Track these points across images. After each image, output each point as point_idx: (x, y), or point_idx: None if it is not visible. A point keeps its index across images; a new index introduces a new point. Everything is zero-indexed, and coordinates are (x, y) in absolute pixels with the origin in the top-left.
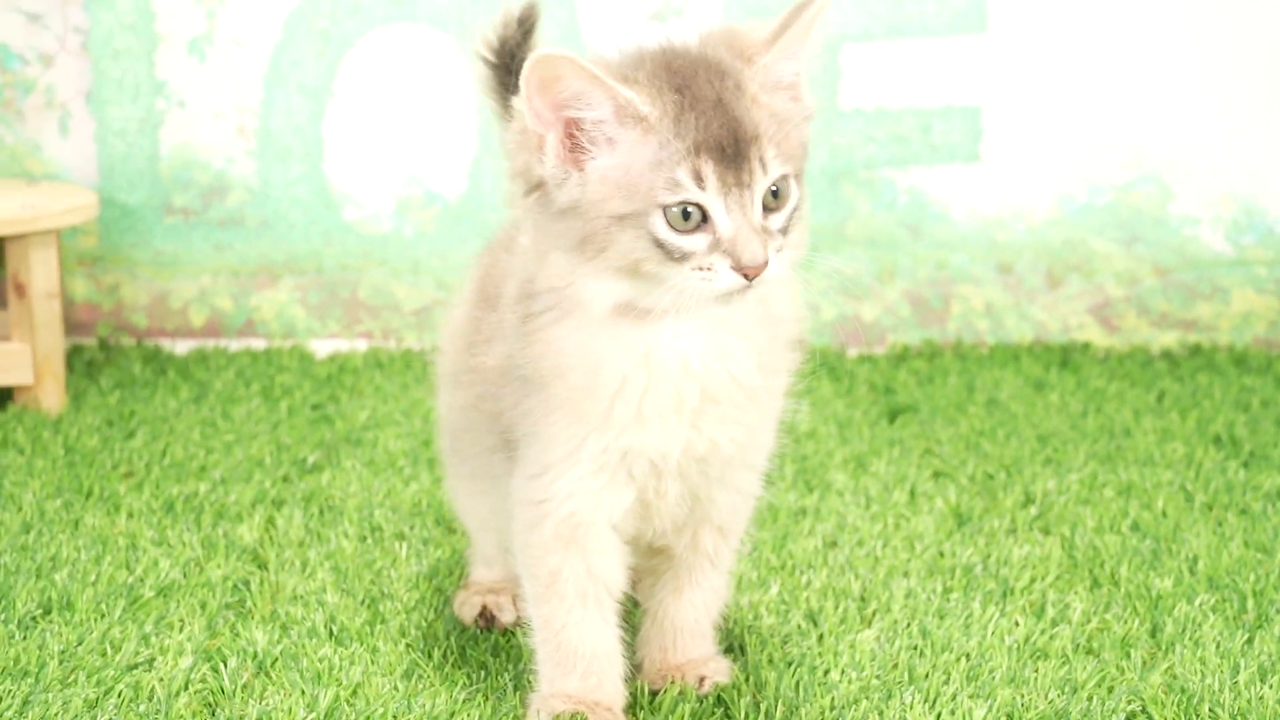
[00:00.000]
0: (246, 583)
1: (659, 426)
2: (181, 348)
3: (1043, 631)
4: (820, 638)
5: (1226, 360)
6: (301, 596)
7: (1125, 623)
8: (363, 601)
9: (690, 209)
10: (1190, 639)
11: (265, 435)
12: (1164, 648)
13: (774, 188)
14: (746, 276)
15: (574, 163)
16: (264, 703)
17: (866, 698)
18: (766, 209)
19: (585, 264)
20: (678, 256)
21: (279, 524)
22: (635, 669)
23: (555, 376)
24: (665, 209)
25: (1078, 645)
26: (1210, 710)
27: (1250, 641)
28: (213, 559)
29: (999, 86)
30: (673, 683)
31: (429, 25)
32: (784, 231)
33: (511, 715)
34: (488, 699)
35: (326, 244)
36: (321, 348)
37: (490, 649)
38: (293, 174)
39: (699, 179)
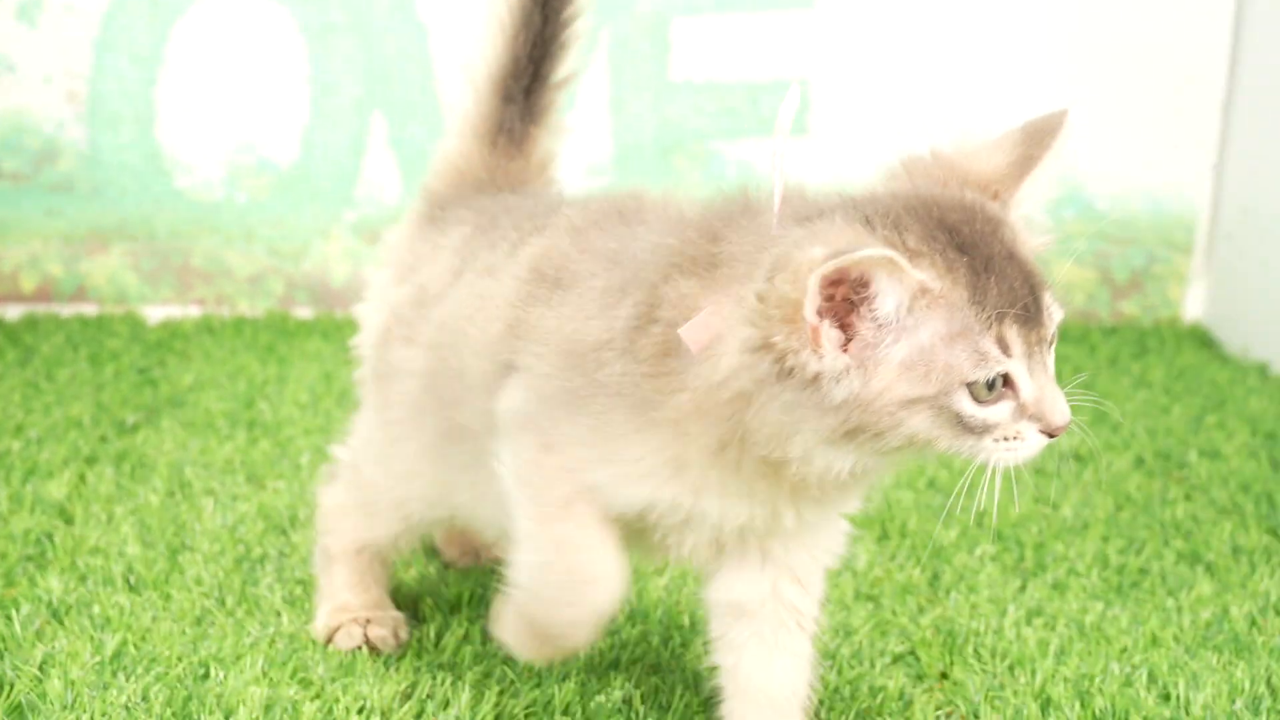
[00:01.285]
0: (50, 535)
1: (732, 503)
2: (12, 313)
3: (828, 580)
4: None
5: None
6: (102, 549)
7: (906, 571)
8: (162, 553)
9: (994, 379)
10: (966, 585)
11: (88, 397)
12: (941, 594)
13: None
14: (1052, 435)
15: (854, 354)
16: (52, 647)
17: (646, 640)
18: None
19: (838, 447)
20: (979, 430)
21: (89, 480)
22: None
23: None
24: (971, 385)
25: (859, 593)
26: (974, 649)
27: (1023, 588)
28: (17, 513)
29: (826, 60)
30: None
31: None
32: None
33: (296, 658)
34: (274, 643)
35: (158, 210)
36: (154, 314)
37: (285, 597)
38: (124, 140)
39: (1004, 346)
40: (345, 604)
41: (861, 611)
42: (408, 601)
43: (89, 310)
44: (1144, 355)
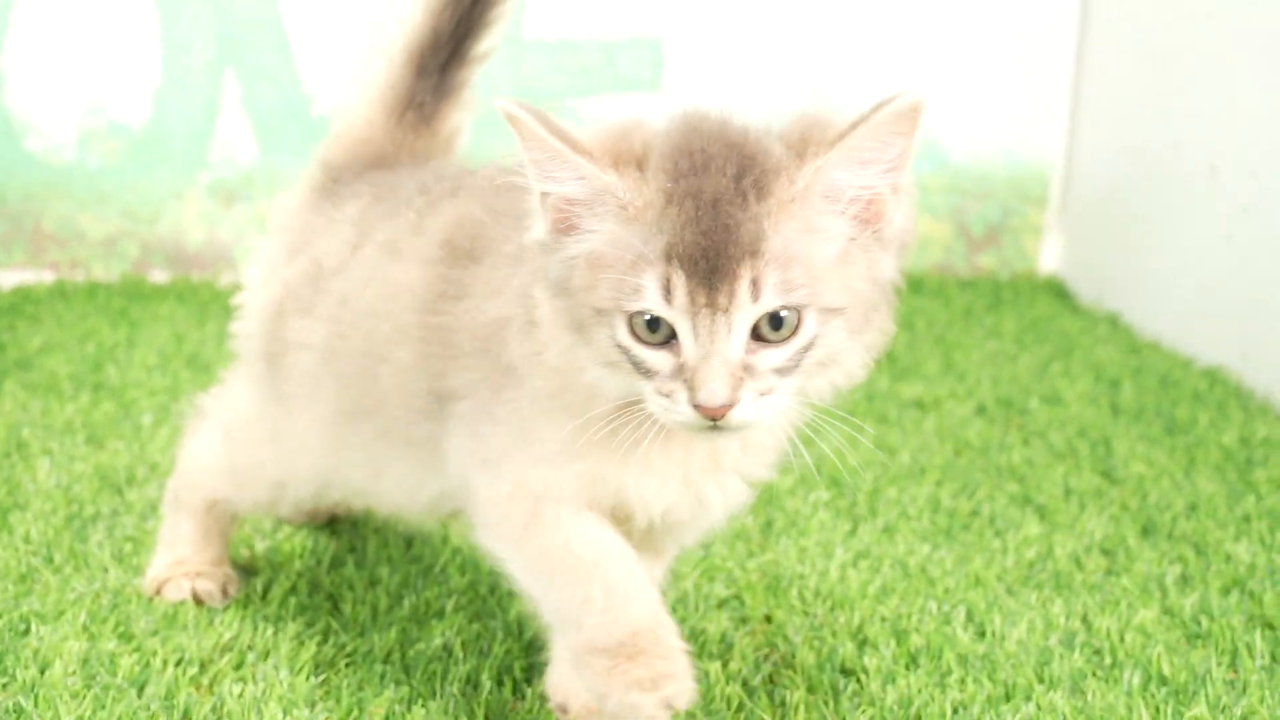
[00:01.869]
0: None
1: (655, 490)
2: None
3: None
4: None
5: (904, 284)
6: None
7: (739, 518)
8: None
9: (656, 321)
10: (797, 530)
11: None
12: (772, 540)
13: (775, 317)
14: (709, 418)
15: (562, 235)
16: None
17: (474, 589)
18: (763, 340)
19: (584, 351)
20: (643, 371)
21: None
22: (560, 710)
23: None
24: (630, 316)
25: None
26: (798, 592)
27: (853, 532)
28: None
29: (680, 18)
30: None
31: None
32: (784, 371)
33: (119, 612)
34: (98, 598)
35: (9, 175)
36: (7, 279)
37: (114, 553)
38: None
39: (667, 291)
40: (181, 558)
41: (691, 557)
42: (240, 556)
43: None
44: (998, 307)
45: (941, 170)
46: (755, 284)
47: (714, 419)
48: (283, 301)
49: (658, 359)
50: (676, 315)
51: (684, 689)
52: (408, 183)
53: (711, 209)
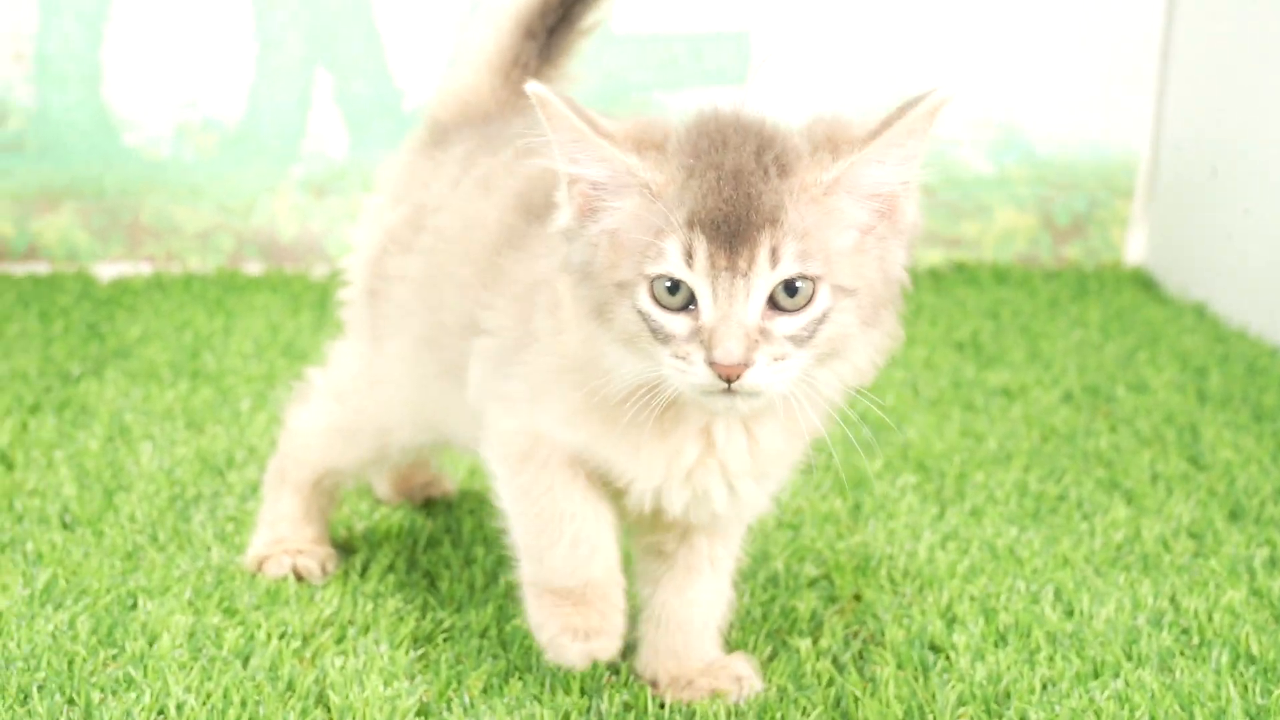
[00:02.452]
0: None
1: (650, 471)
2: None
3: None
4: None
5: (988, 275)
6: (40, 491)
7: (829, 502)
8: (98, 494)
9: (676, 284)
10: (885, 514)
11: (35, 351)
12: (860, 522)
13: (789, 286)
14: (724, 378)
15: (586, 219)
16: None
17: None
18: (779, 308)
19: (604, 334)
20: (661, 337)
21: (31, 428)
22: (652, 684)
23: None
24: (651, 281)
25: (780, 522)
26: (886, 573)
27: (941, 515)
28: None
29: (766, 12)
30: (711, 692)
31: None
32: (798, 340)
33: (223, 588)
34: (202, 575)
35: (107, 169)
36: (105, 271)
37: (216, 533)
38: (71, 99)
39: (689, 255)
40: (281, 536)
41: (781, 539)
42: (339, 535)
43: (41, 269)
44: (1084, 297)
45: (1027, 162)
46: (774, 251)
47: (729, 379)
48: (384, 245)
49: (676, 323)
50: (697, 278)
51: (611, 646)
52: (514, 129)
53: (733, 179)
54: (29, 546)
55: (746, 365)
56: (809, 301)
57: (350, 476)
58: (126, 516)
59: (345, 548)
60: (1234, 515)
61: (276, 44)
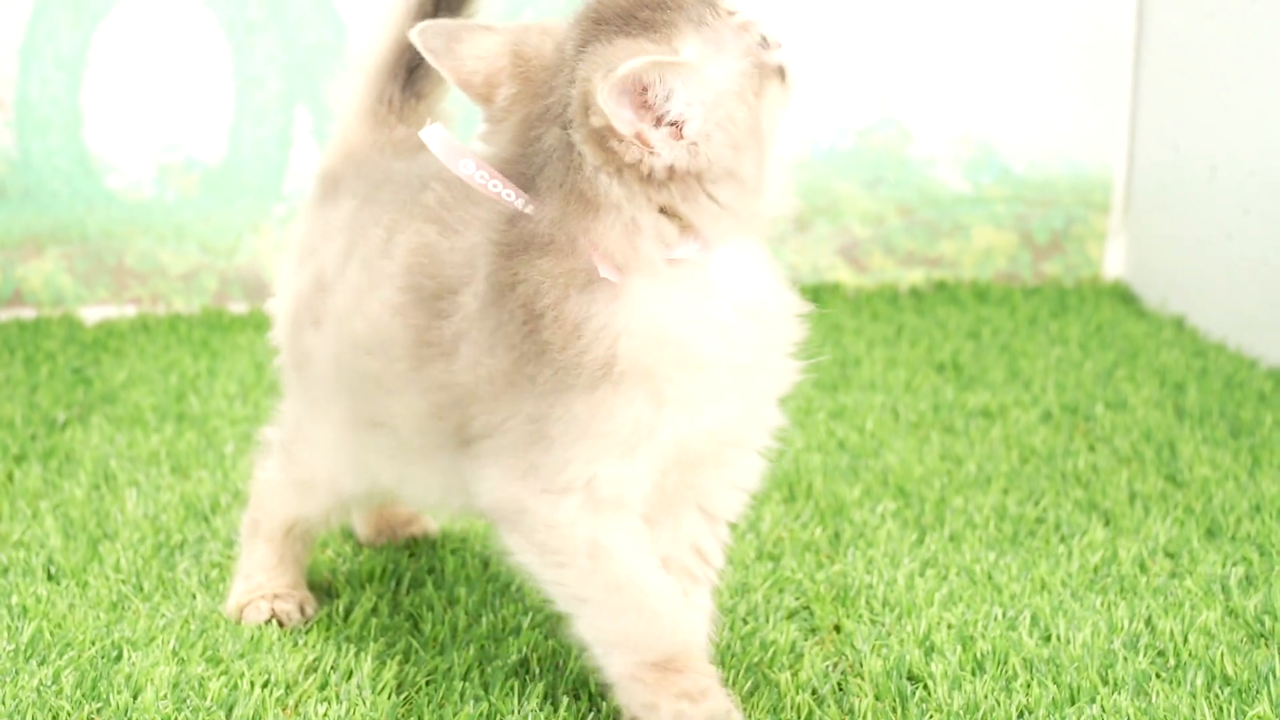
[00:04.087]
0: None
1: (738, 403)
2: None
3: (733, 543)
4: None
5: (968, 294)
6: (25, 542)
7: (809, 530)
8: (83, 543)
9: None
10: (865, 541)
11: (21, 398)
12: (840, 551)
13: None
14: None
15: (689, 132)
16: None
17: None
18: None
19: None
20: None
21: (16, 478)
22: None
23: (614, 363)
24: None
25: (760, 552)
26: (866, 602)
27: (920, 541)
28: None
29: None
30: None
31: None
32: None
33: (206, 637)
34: (187, 624)
35: (90, 212)
36: (90, 315)
37: (201, 580)
38: (52, 144)
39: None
40: (258, 584)
41: (761, 570)
42: (321, 579)
43: (26, 314)
44: (1063, 314)
45: (1004, 180)
46: None
47: None
48: (297, 312)
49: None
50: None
51: (724, 706)
52: (392, 178)
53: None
54: (14, 600)
55: None
56: None
57: (318, 524)
58: (111, 566)
59: (328, 591)
60: (1210, 533)
61: (255, 83)
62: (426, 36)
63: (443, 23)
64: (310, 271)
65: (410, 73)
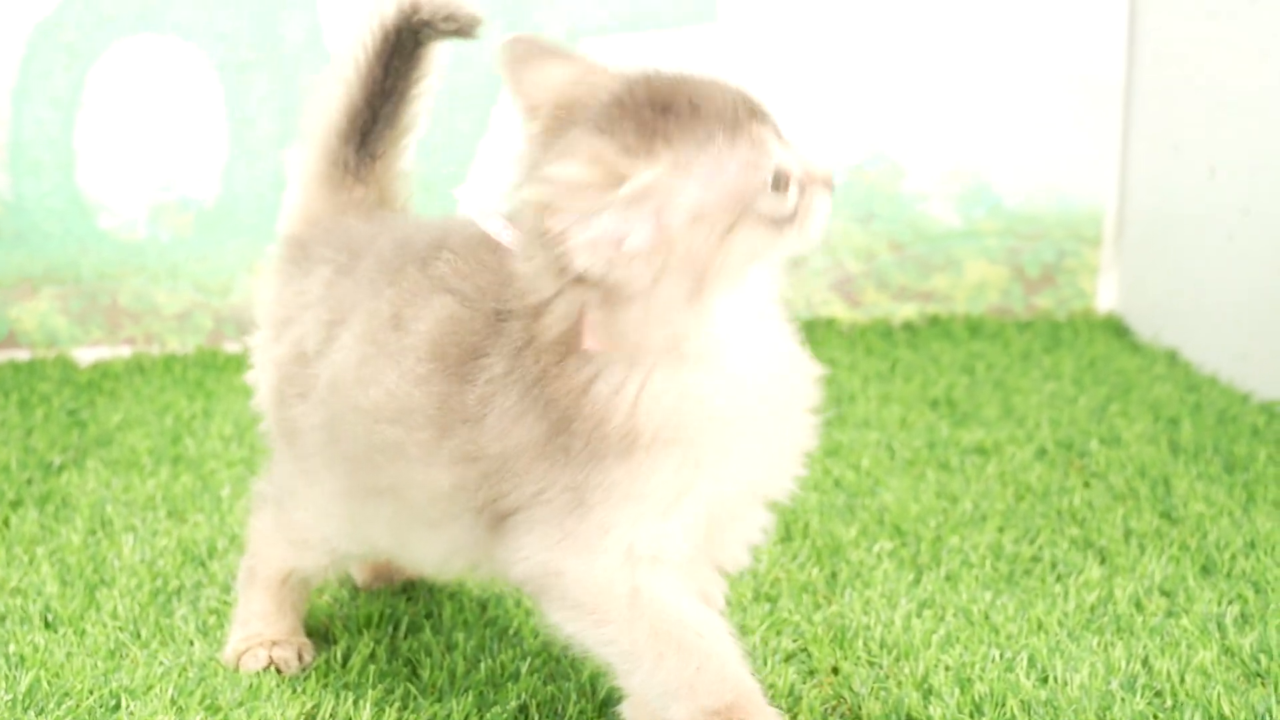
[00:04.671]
0: None
1: (767, 457)
2: None
3: (730, 584)
4: None
5: (962, 328)
6: (22, 589)
7: (806, 571)
8: (80, 590)
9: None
10: (861, 581)
11: (16, 441)
12: (837, 591)
13: None
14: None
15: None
16: None
17: (546, 651)
18: None
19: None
20: (788, 219)
21: (13, 524)
22: None
23: (653, 432)
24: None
25: (758, 594)
26: (863, 644)
27: (917, 581)
28: None
29: (732, 74)
30: None
31: (176, 35)
32: None
33: (205, 685)
34: (185, 672)
35: (83, 253)
36: (85, 355)
37: (199, 626)
38: (46, 186)
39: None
40: (256, 632)
41: (758, 612)
42: (319, 624)
43: (21, 356)
44: (1056, 348)
45: (995, 214)
46: None
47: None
48: (280, 385)
49: (784, 204)
50: (789, 161)
51: None
52: (374, 247)
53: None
54: (11, 649)
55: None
56: None
57: (315, 576)
58: (109, 613)
59: (326, 636)
60: (1205, 570)
61: (249, 123)
62: (513, 48)
63: (530, 39)
64: (289, 342)
65: (364, 136)
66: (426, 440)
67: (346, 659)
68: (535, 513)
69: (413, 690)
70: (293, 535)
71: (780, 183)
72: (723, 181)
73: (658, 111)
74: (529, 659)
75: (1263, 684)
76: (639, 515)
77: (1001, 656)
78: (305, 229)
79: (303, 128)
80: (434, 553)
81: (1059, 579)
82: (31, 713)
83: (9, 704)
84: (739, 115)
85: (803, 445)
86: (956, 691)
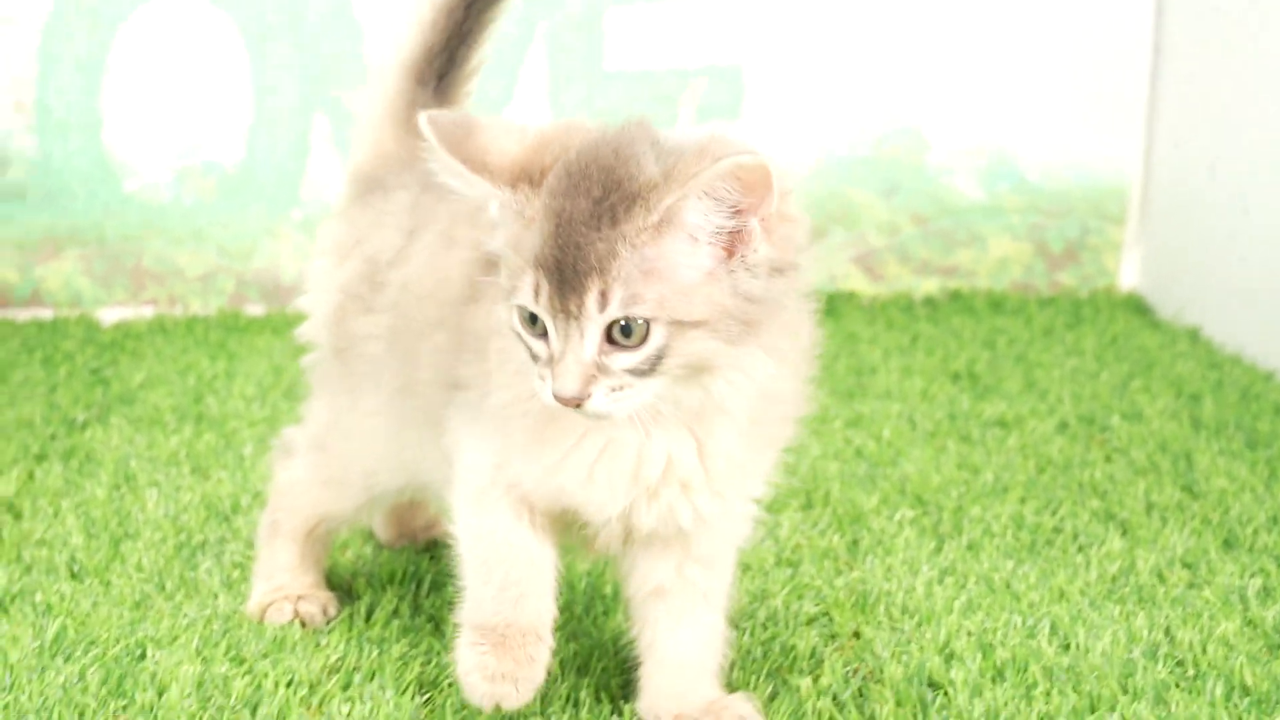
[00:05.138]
0: None
1: (608, 495)
2: None
3: (751, 549)
4: None
5: (984, 303)
6: (48, 540)
7: (827, 538)
8: (105, 542)
9: (532, 315)
10: (883, 549)
11: (40, 398)
12: (859, 558)
13: (623, 326)
14: (556, 397)
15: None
16: None
17: (569, 609)
18: (616, 344)
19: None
20: (531, 354)
21: (38, 477)
22: None
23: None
24: (516, 307)
25: (779, 559)
26: (885, 609)
27: (939, 549)
28: None
29: (758, 46)
30: None
31: None
32: (638, 372)
33: (230, 637)
34: (210, 624)
35: (108, 215)
36: (108, 316)
37: (223, 580)
38: (72, 147)
39: (536, 292)
40: (280, 585)
41: (780, 577)
42: (342, 580)
43: (44, 315)
44: (1078, 324)
45: (1019, 189)
46: (602, 295)
47: (573, 406)
48: (342, 304)
49: (538, 346)
50: (543, 313)
51: (518, 696)
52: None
53: (568, 227)
54: (38, 597)
55: (582, 398)
56: (644, 339)
57: (344, 523)
58: (134, 565)
59: (349, 592)
60: (1228, 544)
61: (273, 88)
62: (439, 126)
63: (450, 119)
64: (359, 259)
65: (440, 78)
66: (446, 313)
67: (370, 614)
68: (464, 396)
69: (436, 646)
70: (330, 473)
71: (537, 322)
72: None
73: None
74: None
75: None
76: (500, 448)
77: (1023, 623)
78: (377, 166)
79: (374, 68)
80: (443, 463)
81: (1080, 549)
82: (60, 659)
83: (37, 650)
84: None
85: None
86: (978, 656)
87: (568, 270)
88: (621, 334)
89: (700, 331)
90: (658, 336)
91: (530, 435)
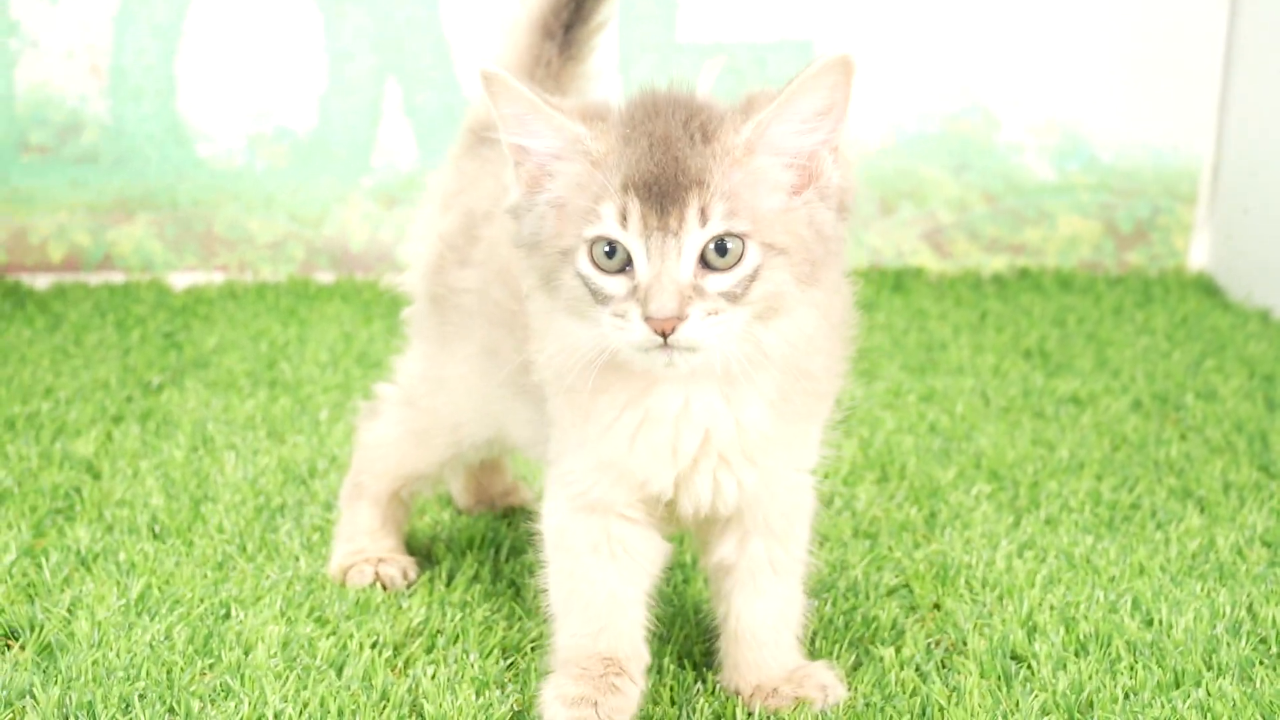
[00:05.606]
0: (78, 489)
1: (653, 466)
2: (41, 282)
3: (828, 521)
4: None
5: (1052, 282)
6: (128, 501)
7: (905, 510)
8: (185, 504)
9: (613, 247)
10: (961, 522)
11: (114, 360)
12: (937, 531)
13: (719, 245)
14: (660, 332)
15: (534, 192)
16: (80, 591)
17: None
18: (710, 267)
19: (553, 305)
20: (600, 299)
21: (116, 438)
22: (737, 694)
23: (562, 384)
24: (590, 244)
25: (857, 531)
26: (965, 581)
27: (1016, 524)
28: (47, 469)
29: (830, 20)
30: (795, 699)
31: None
32: (731, 297)
33: (313, 598)
34: (292, 585)
35: (181, 180)
36: (179, 280)
37: (303, 543)
38: (145, 111)
39: (623, 217)
40: (361, 547)
41: (859, 548)
42: (422, 545)
43: (116, 278)
44: (1148, 304)
45: (1090, 168)
46: (703, 211)
47: (664, 333)
48: (442, 254)
49: (614, 284)
50: (631, 239)
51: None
52: None
53: (663, 145)
54: (121, 556)
55: (680, 319)
56: (739, 259)
57: (428, 482)
58: (215, 527)
59: (429, 557)
60: None
61: (346, 56)
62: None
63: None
64: (459, 212)
65: (567, 31)
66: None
67: (451, 579)
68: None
69: (517, 610)
70: (418, 425)
71: (614, 255)
72: (580, 192)
73: None
74: None
75: None
76: (565, 444)
77: (1105, 598)
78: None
79: (501, 22)
80: (529, 425)
81: (1159, 526)
82: (145, 617)
83: (123, 608)
84: None
85: (742, 460)
86: (1061, 630)
87: (668, 184)
88: (716, 253)
89: (782, 260)
90: (753, 256)
91: (575, 412)
